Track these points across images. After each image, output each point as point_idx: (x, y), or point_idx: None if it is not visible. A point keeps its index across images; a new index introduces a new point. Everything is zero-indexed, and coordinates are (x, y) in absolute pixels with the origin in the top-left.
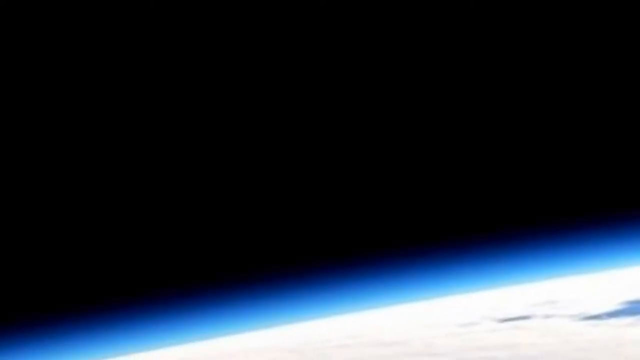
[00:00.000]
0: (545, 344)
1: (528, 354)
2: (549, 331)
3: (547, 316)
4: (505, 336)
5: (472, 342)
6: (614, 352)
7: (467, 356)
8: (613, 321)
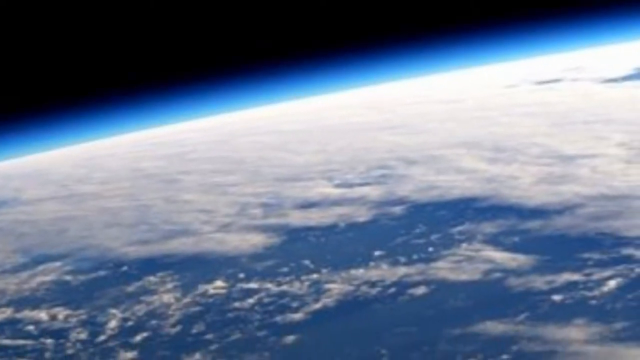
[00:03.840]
0: (572, 102)
1: (558, 109)
2: (576, 91)
3: (575, 79)
4: (541, 96)
5: (515, 100)
6: (628, 108)
7: (511, 111)
8: (628, 83)
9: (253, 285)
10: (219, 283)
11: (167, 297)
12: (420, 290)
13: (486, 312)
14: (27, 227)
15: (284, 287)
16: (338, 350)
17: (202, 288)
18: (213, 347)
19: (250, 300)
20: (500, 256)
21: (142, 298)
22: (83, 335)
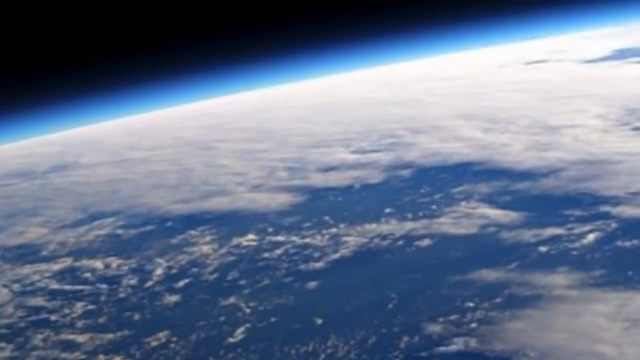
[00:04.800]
0: (557, 80)
1: (544, 86)
2: (559, 70)
3: (559, 60)
4: (529, 74)
5: (507, 78)
6: (605, 85)
7: (503, 88)
8: (605, 64)
9: (280, 238)
10: (250, 236)
11: (206, 248)
12: (425, 242)
13: (482, 262)
14: (85, 188)
15: (307, 240)
16: (354, 294)
17: (236, 240)
18: (246, 291)
19: (278, 251)
20: (494, 213)
21: (185, 249)
22: (133, 282)
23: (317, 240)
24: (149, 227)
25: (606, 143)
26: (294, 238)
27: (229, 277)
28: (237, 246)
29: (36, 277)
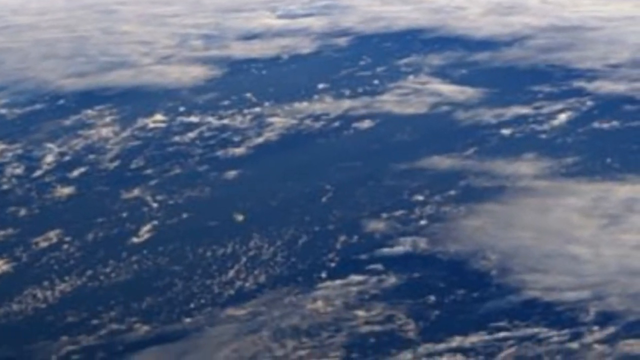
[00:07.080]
0: None
1: None
2: None
3: None
4: None
5: None
6: None
7: None
8: None
9: (193, 118)
10: (158, 116)
11: (106, 131)
12: (366, 124)
13: (433, 147)
14: None
15: (226, 121)
16: (281, 186)
17: (141, 122)
18: (152, 182)
19: (191, 134)
20: (448, 89)
21: (80, 132)
22: (19, 170)
23: (238, 122)
24: (38, 106)
25: (581, 6)
26: (209, 119)
27: (133, 165)
28: (143, 128)
29: None
